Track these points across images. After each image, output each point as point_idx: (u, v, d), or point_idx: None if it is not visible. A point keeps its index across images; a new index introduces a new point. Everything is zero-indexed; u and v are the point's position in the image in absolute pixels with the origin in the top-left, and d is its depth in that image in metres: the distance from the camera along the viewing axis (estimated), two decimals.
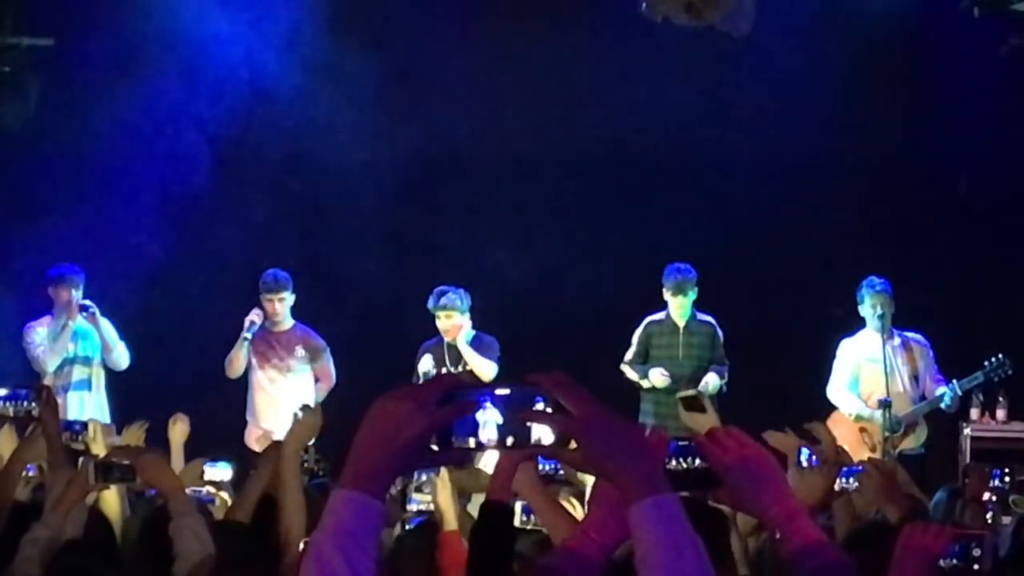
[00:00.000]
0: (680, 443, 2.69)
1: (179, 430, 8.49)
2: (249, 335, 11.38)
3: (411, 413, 2.24)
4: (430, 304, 11.12)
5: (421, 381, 10.72)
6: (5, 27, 11.18)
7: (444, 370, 11.09)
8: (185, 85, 12.32)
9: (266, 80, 12.51)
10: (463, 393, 2.28)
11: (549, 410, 2.28)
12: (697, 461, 2.67)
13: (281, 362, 11.52)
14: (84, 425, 7.91)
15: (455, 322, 11.09)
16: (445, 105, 12.81)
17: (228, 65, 12.33)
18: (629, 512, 2.27)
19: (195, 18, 12.18)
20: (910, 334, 11.42)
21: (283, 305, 11.46)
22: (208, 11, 12.15)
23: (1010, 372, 11.25)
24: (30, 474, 6.92)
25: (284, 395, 11.44)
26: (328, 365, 11.60)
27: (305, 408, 6.17)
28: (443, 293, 11.12)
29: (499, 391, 2.29)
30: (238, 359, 11.44)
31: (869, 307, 11.28)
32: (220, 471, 7.89)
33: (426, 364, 11.06)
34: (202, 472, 7.21)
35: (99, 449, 7.88)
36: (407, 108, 12.64)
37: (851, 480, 5.99)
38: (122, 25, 12.13)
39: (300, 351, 11.54)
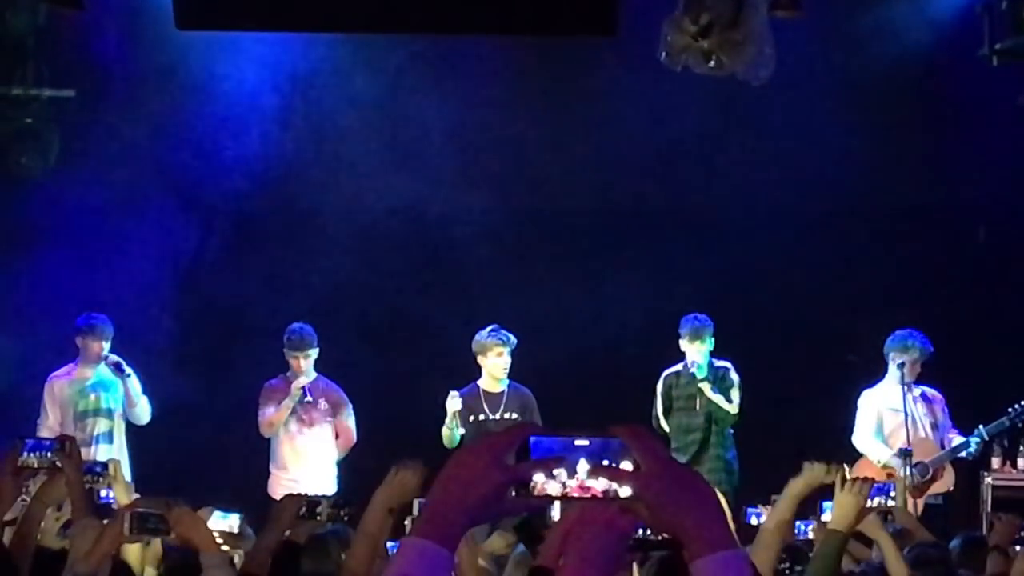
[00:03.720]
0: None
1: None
2: (295, 401, 11.39)
3: (488, 468, 2.24)
4: (485, 339, 11.12)
5: (451, 419, 10.85)
6: (26, 79, 11.23)
7: (482, 417, 11.09)
8: (202, 136, 12.37)
9: (277, 132, 12.57)
10: (541, 442, 2.27)
11: (628, 462, 2.26)
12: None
13: (306, 415, 11.52)
14: (105, 466, 7.92)
15: (505, 361, 11.13)
16: (465, 160, 12.80)
17: (249, 118, 12.38)
18: (694, 566, 2.24)
19: (220, 70, 12.24)
20: (926, 388, 11.49)
21: (308, 362, 11.49)
22: (233, 63, 12.20)
23: None
24: (59, 513, 6.94)
25: (308, 447, 11.48)
26: (348, 422, 11.58)
27: (405, 464, 5.99)
28: (499, 329, 11.15)
29: (578, 441, 2.27)
30: (279, 420, 11.45)
31: (906, 359, 11.32)
32: (228, 522, 7.87)
33: (455, 402, 11.03)
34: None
35: (121, 489, 7.92)
36: (420, 162, 12.65)
37: (882, 499, 6.08)
38: (143, 77, 12.20)
39: (323, 404, 11.54)
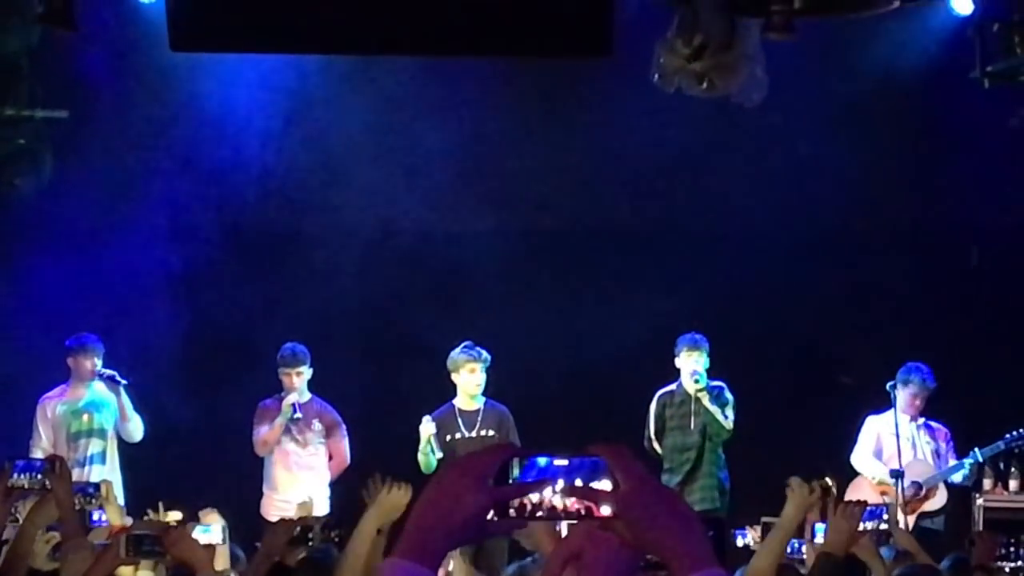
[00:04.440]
0: None
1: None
2: (287, 417, 11.39)
3: (469, 489, 2.24)
4: (459, 357, 11.11)
5: (425, 444, 10.84)
6: (20, 99, 11.23)
7: (458, 435, 11.07)
8: (198, 157, 12.39)
9: (273, 154, 12.58)
10: (522, 463, 2.27)
11: (607, 481, 2.27)
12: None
13: (300, 435, 11.52)
14: (97, 487, 7.93)
15: (479, 378, 11.10)
16: (460, 180, 12.80)
17: (243, 139, 12.39)
18: None
19: (214, 91, 12.25)
20: (933, 422, 11.65)
21: (301, 379, 11.51)
22: (227, 84, 12.22)
23: None
24: (50, 534, 6.93)
25: (302, 467, 11.48)
26: (341, 444, 11.60)
27: (393, 484, 6.11)
28: (473, 346, 11.13)
29: (558, 461, 2.28)
30: (273, 439, 11.45)
31: (904, 392, 11.45)
32: (209, 536, 7.89)
33: (428, 427, 11.00)
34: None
35: (113, 510, 7.94)
36: (417, 184, 12.65)
37: (875, 523, 6.08)
38: (136, 98, 12.21)
39: (317, 424, 11.55)
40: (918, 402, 11.50)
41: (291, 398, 11.41)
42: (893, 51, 12.27)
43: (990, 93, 10.86)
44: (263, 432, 11.47)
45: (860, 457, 11.62)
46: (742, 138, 12.44)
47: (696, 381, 11.37)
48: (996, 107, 11.43)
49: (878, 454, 11.55)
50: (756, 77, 9.52)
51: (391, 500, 5.87)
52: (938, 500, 11.45)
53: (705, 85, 9.60)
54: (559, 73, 12.21)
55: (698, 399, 11.42)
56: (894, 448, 11.42)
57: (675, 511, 2.27)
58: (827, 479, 6.49)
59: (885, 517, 6.38)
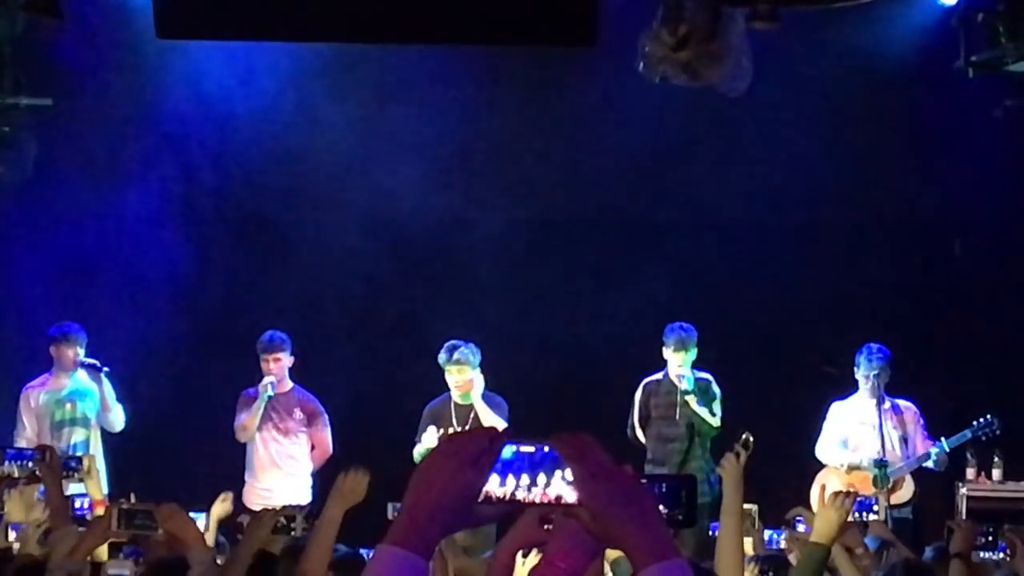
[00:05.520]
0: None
1: (222, 508, 8.58)
2: (264, 400, 11.39)
3: (458, 470, 2.24)
4: (441, 358, 11.11)
5: (425, 451, 10.84)
6: (4, 87, 11.20)
7: (451, 430, 11.07)
8: (186, 145, 12.37)
9: (260, 141, 12.58)
10: (502, 447, 2.28)
11: (567, 472, 2.28)
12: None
13: (281, 423, 11.52)
14: (79, 460, 7.96)
15: (467, 377, 11.08)
16: (448, 169, 12.80)
17: (231, 126, 12.39)
18: None
19: (200, 78, 12.24)
20: (900, 400, 11.54)
21: (279, 365, 11.49)
22: (214, 71, 12.20)
23: (998, 432, 11.35)
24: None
25: (284, 456, 11.48)
26: (323, 433, 11.57)
27: (351, 469, 6.19)
28: (455, 347, 11.10)
29: (523, 448, 2.29)
30: (252, 424, 11.45)
31: (863, 373, 11.37)
32: (199, 523, 7.92)
33: (430, 438, 11.02)
34: None
35: (94, 484, 7.99)
36: (407, 173, 12.63)
37: (865, 513, 6.10)
38: (121, 86, 12.19)
39: (298, 413, 11.54)
40: (886, 377, 11.40)
41: (267, 379, 11.41)
42: (877, 41, 12.29)
43: (974, 83, 10.89)
44: (242, 418, 11.48)
45: (825, 448, 11.55)
46: (725, 129, 12.45)
47: (674, 385, 11.36)
48: (980, 97, 11.46)
49: (844, 443, 11.52)
50: (741, 67, 9.52)
51: (349, 485, 5.96)
52: (905, 492, 11.41)
53: (689, 75, 9.62)
54: (546, 62, 12.21)
55: (683, 392, 11.40)
56: (863, 437, 11.42)
57: (634, 502, 2.26)
58: (745, 435, 6.51)
59: (876, 508, 6.38)
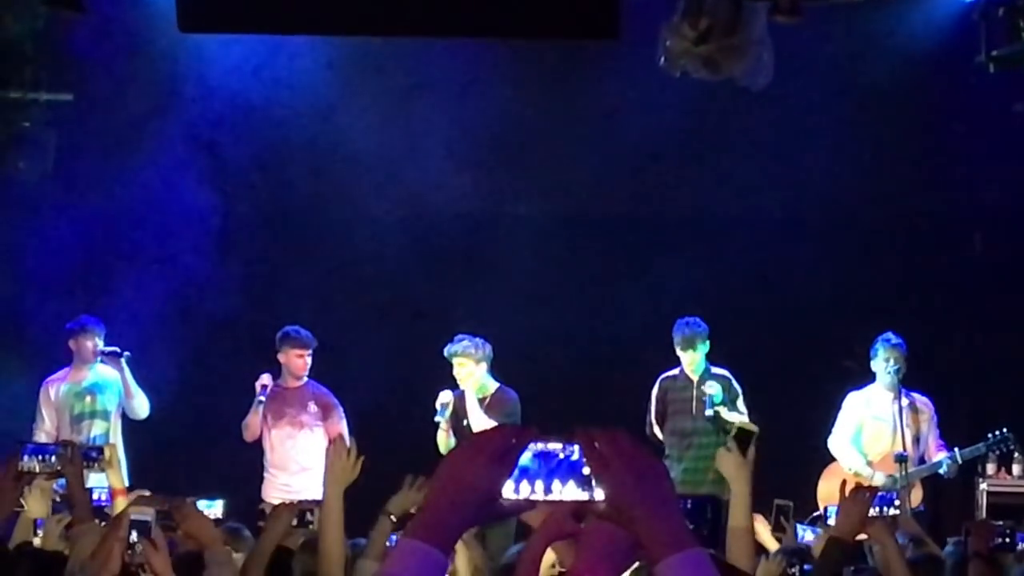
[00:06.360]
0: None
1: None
2: (263, 398, 11.40)
3: (482, 467, 2.26)
4: (446, 351, 11.12)
5: (440, 411, 10.87)
6: (24, 83, 11.23)
7: (464, 422, 11.07)
8: (205, 139, 12.37)
9: (284, 135, 12.59)
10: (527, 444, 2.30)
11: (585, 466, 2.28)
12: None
13: (296, 418, 11.51)
14: (100, 450, 7.96)
15: (468, 371, 11.08)
16: (472, 163, 12.79)
17: (251, 121, 12.39)
18: (657, 569, 2.24)
19: (220, 74, 12.23)
20: (917, 395, 11.43)
21: (308, 362, 11.49)
22: (234, 66, 12.20)
23: (1013, 447, 11.28)
24: (60, 515, 6.98)
25: (300, 451, 11.45)
26: (339, 427, 11.53)
27: (336, 443, 6.25)
28: (459, 341, 11.12)
29: (550, 444, 2.30)
30: (255, 423, 11.45)
31: (883, 361, 11.29)
32: (213, 511, 7.94)
33: (445, 396, 11.05)
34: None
35: (114, 474, 8.00)
36: (430, 167, 12.63)
37: (885, 508, 6.08)
38: (141, 81, 12.19)
39: (313, 407, 11.53)
40: (903, 368, 11.31)
41: (263, 379, 11.42)
42: (898, 35, 12.25)
43: (995, 78, 10.87)
44: (248, 418, 11.49)
45: (839, 442, 11.42)
46: (745, 123, 12.42)
47: (711, 390, 11.27)
48: (1001, 92, 11.44)
49: (858, 436, 11.41)
50: (762, 61, 9.53)
51: (339, 464, 6.02)
52: (915, 498, 11.25)
53: (711, 68, 9.61)
54: (569, 56, 12.20)
55: (700, 388, 11.35)
56: (877, 432, 11.33)
57: (654, 493, 2.27)
58: (737, 428, 6.48)
59: (896, 503, 6.38)
